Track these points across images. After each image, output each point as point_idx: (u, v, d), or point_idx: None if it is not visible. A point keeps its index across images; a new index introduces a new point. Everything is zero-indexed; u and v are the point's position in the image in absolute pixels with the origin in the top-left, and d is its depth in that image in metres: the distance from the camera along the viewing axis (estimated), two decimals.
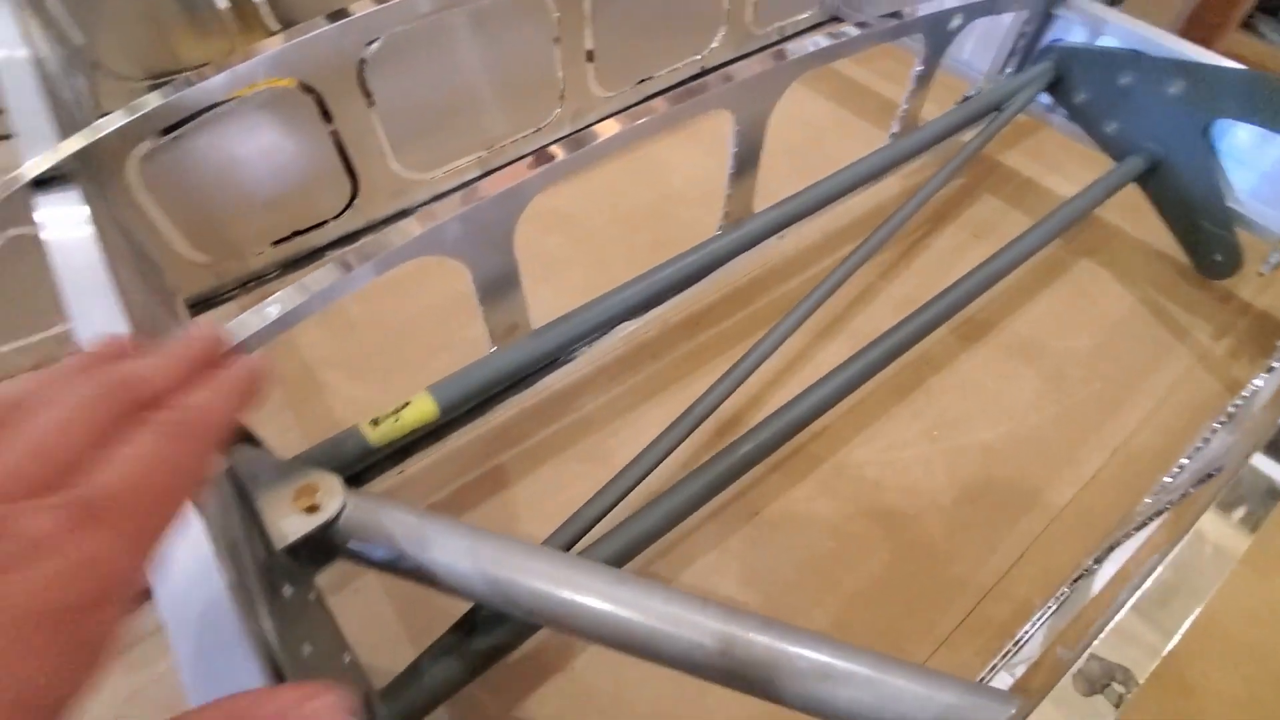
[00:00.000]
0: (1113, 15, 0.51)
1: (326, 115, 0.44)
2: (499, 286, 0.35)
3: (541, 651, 0.34)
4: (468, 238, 0.31)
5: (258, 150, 0.43)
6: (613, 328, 0.40)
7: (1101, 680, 0.18)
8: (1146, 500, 0.37)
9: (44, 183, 0.33)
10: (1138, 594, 0.20)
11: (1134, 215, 0.55)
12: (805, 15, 0.67)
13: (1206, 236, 0.49)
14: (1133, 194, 0.51)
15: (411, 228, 0.29)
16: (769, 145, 0.42)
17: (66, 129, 0.35)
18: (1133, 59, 0.48)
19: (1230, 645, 0.35)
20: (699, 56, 0.62)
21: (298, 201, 0.47)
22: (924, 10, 0.44)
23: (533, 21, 0.50)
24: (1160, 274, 0.52)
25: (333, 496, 0.23)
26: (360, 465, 0.34)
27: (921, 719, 0.21)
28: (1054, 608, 0.31)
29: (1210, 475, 0.28)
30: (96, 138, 0.35)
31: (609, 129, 0.33)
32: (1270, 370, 0.39)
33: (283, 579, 0.24)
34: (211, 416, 0.16)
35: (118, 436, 0.14)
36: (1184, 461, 0.37)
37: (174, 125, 0.39)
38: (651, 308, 0.42)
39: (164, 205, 0.42)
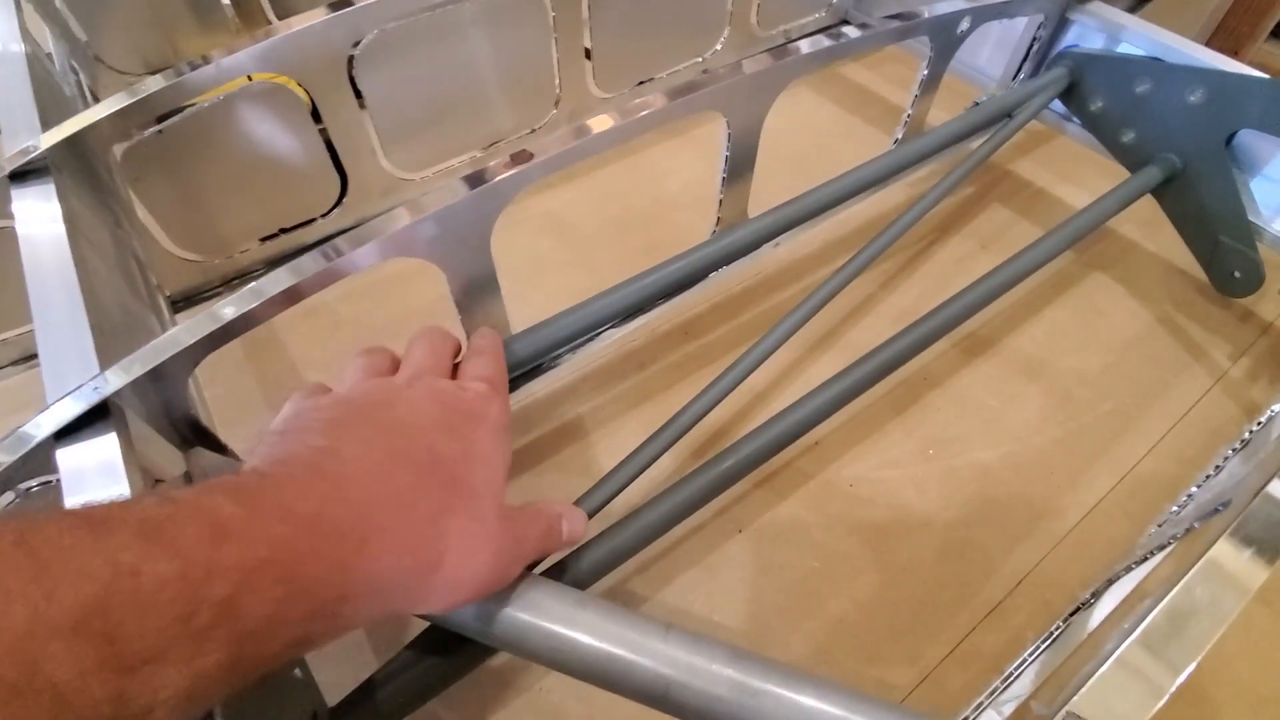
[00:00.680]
0: (1131, 21, 0.49)
1: (315, 111, 0.43)
2: (476, 290, 0.34)
3: (508, 670, 0.33)
4: (441, 239, 0.30)
5: (245, 145, 0.43)
6: (597, 334, 0.39)
7: None
8: (1151, 530, 0.35)
9: (22, 175, 0.33)
10: (1129, 640, 0.19)
11: (1149, 229, 0.52)
12: (813, 18, 0.65)
13: (1225, 252, 0.46)
14: (1148, 206, 0.48)
15: (381, 228, 0.28)
16: (770, 151, 0.41)
17: (56, 123, 0.35)
18: (1152, 66, 0.46)
19: (1250, 698, 0.32)
20: (701, 59, 0.60)
21: (286, 198, 0.47)
22: (930, 12, 0.43)
23: (529, 19, 0.49)
24: (1176, 291, 0.50)
25: None
26: None
27: None
28: (1047, 644, 0.29)
29: (1219, 509, 0.26)
30: (74, 131, 0.34)
31: (592, 129, 0.32)
32: None
33: None
34: (499, 348, 0.29)
35: (468, 359, 0.28)
36: (1194, 490, 0.35)
37: (158, 119, 0.39)
38: (638, 314, 0.40)
39: (148, 200, 0.42)
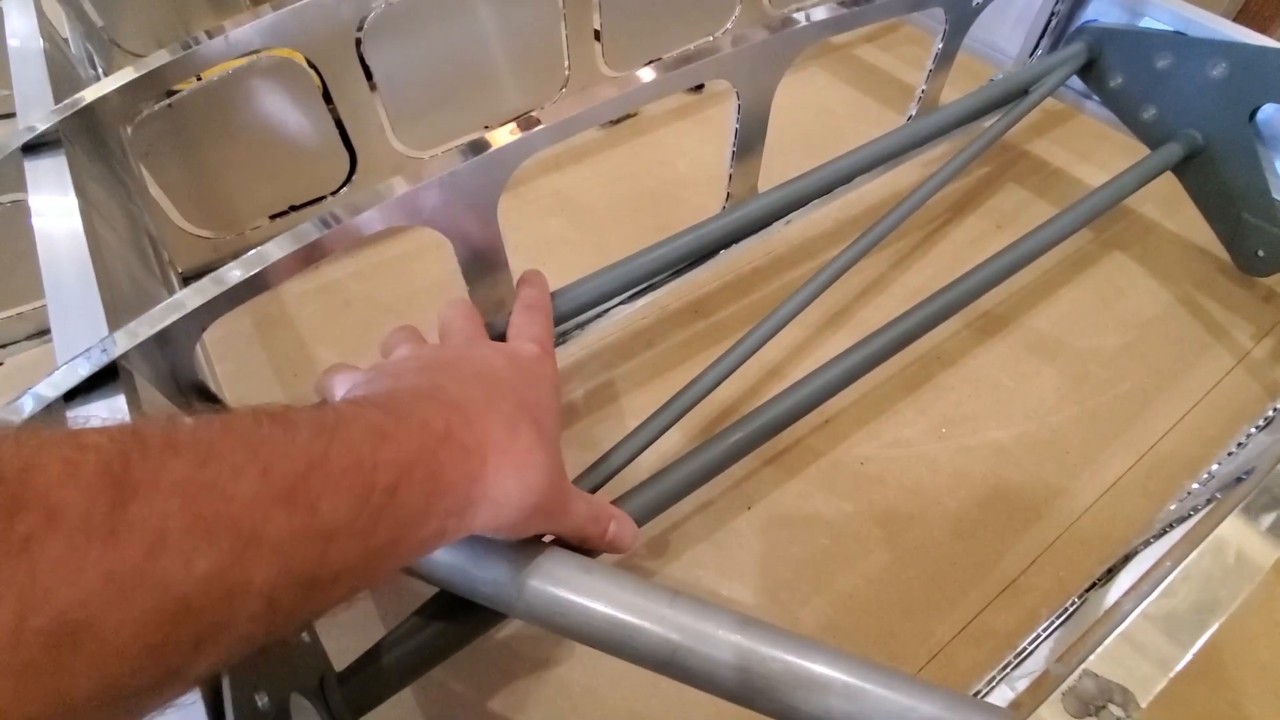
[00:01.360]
0: None
1: (324, 87, 0.43)
2: (484, 262, 0.34)
3: (514, 639, 0.33)
4: (446, 206, 0.30)
5: (254, 121, 0.43)
6: (605, 310, 0.39)
7: (1097, 701, 0.16)
8: (1170, 506, 0.35)
9: (35, 148, 0.33)
10: (1144, 603, 0.18)
11: (1170, 207, 0.51)
12: None
13: (1248, 230, 0.45)
14: (1169, 184, 0.47)
15: (386, 193, 0.28)
16: (781, 130, 0.40)
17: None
18: (1173, 40, 0.45)
19: (1271, 678, 0.32)
20: (712, 38, 0.60)
21: (296, 175, 0.47)
22: None
23: None
24: (1197, 270, 0.48)
25: None
26: None
27: None
28: (1061, 620, 0.29)
29: (1240, 479, 0.26)
30: (85, 103, 0.34)
31: (596, 97, 0.32)
32: None
33: None
34: (548, 304, 0.31)
35: (518, 312, 0.29)
36: (1215, 467, 0.34)
37: (168, 93, 0.39)
38: (648, 290, 0.40)
39: (159, 176, 0.42)
